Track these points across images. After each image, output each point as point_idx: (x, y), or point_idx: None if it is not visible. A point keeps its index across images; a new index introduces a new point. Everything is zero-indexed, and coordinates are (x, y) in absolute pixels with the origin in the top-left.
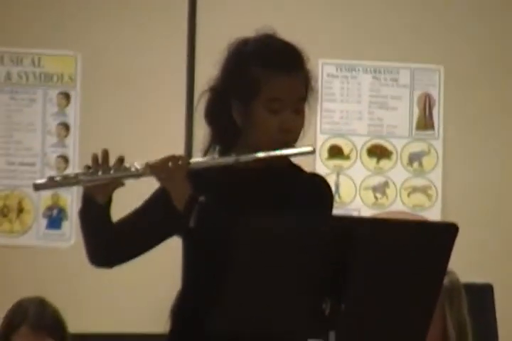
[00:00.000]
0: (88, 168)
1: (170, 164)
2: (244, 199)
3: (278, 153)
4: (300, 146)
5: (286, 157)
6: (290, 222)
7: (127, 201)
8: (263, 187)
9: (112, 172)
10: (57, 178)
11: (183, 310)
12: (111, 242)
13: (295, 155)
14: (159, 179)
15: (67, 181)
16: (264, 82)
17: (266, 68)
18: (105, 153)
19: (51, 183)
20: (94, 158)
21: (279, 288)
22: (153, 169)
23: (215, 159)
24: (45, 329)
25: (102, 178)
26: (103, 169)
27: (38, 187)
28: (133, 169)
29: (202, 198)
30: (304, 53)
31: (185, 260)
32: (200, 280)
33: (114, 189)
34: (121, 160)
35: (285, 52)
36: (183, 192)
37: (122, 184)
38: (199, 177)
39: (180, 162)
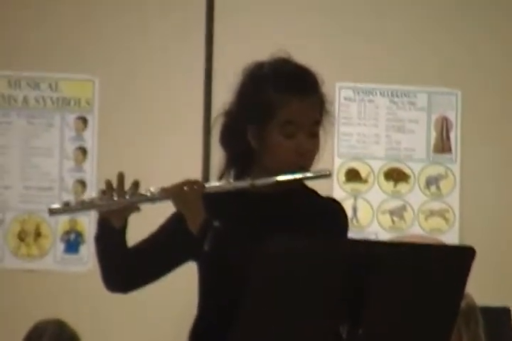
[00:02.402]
0: (103, 192)
1: (185, 188)
2: (259, 224)
3: (293, 176)
4: (316, 170)
5: (301, 181)
6: (306, 246)
7: (143, 225)
8: (278, 212)
9: (127, 196)
10: (73, 203)
11: (200, 335)
12: (126, 267)
13: (311, 178)
14: (175, 203)
15: (82, 206)
16: (278, 106)
17: (280, 92)
18: (121, 177)
19: (66, 208)
20: (109, 183)
21: (296, 313)
22: (168, 193)
23: (231, 183)
24: None
25: (117, 203)
26: (118, 194)
27: (53, 212)
28: (148, 193)
29: (217, 223)
30: (318, 76)
31: (200, 285)
32: (215, 306)
33: (129, 213)
34: (136, 184)
35: (299, 76)
36: (198, 216)
37: (138, 209)
38: (214, 201)
39: (195, 186)
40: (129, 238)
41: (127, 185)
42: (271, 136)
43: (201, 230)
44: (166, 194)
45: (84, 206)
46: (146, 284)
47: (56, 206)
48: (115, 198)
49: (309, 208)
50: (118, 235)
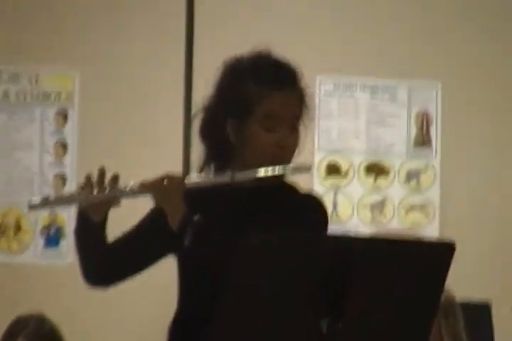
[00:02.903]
0: (83, 187)
1: (165, 183)
2: (239, 219)
3: (274, 171)
4: (296, 164)
5: (281, 175)
6: (286, 241)
7: (123, 220)
8: (258, 207)
9: (106, 191)
10: (52, 198)
11: (180, 330)
12: (106, 262)
13: (291, 173)
14: (154, 198)
15: (61, 201)
16: (258, 100)
17: (260, 86)
18: (101, 172)
19: (45, 203)
20: (88, 177)
21: (276, 308)
22: (148, 188)
23: (211, 178)
24: None
25: (96, 197)
26: (98, 188)
27: (32, 207)
28: (128, 188)
29: (196, 217)
30: (298, 70)
31: (180, 279)
32: (196, 301)
33: (109, 208)
34: (115, 178)
35: (279, 69)
36: (178, 211)
37: (118, 203)
38: (194, 195)
39: (175, 181)
40: (109, 232)
41: (107, 179)
42: (251, 129)
43: (181, 225)
44: (145, 188)
45: (63, 200)
46: (125, 278)
47: (36, 201)
48: (95, 193)
49: (289, 203)
50: (97, 229)
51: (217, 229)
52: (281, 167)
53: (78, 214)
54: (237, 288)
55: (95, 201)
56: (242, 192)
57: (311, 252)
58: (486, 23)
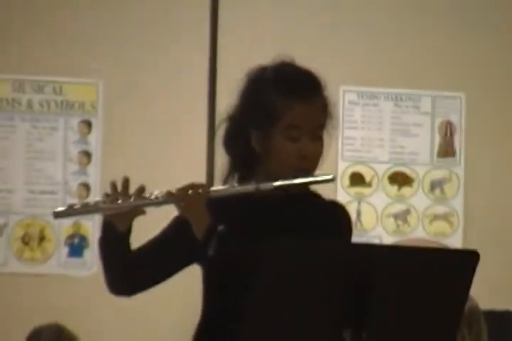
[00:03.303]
0: (108, 195)
1: (190, 192)
2: (263, 228)
3: (297, 181)
4: (320, 174)
5: (305, 185)
6: (310, 248)
7: (148, 229)
8: (282, 216)
9: (131, 200)
10: (77, 206)
11: (203, 339)
12: (130, 271)
13: (315, 183)
14: (179, 207)
15: (86, 209)
16: (281, 110)
17: (283, 96)
18: (125, 181)
19: (71, 211)
20: (113, 186)
21: (300, 317)
22: (173, 197)
23: (235, 187)
24: None
25: (121, 206)
26: (123, 197)
27: (57, 215)
28: (153, 197)
29: (221, 227)
30: (321, 80)
31: (204, 288)
32: (220, 310)
33: (134, 217)
34: (141, 189)
35: (302, 80)
36: (203, 221)
37: (143, 212)
38: (218, 205)
39: (200, 190)
40: (133, 241)
41: (132, 190)
42: (274, 140)
43: (205, 235)
44: (170, 198)
45: (88, 209)
46: (149, 287)
47: (61, 209)
48: (119, 201)
49: (313, 210)
50: (122, 238)
51: (242, 239)
52: (303, 177)
53: (103, 223)
54: (260, 298)
55: (121, 210)
56: (266, 201)
57: (335, 259)
58: (509, 32)
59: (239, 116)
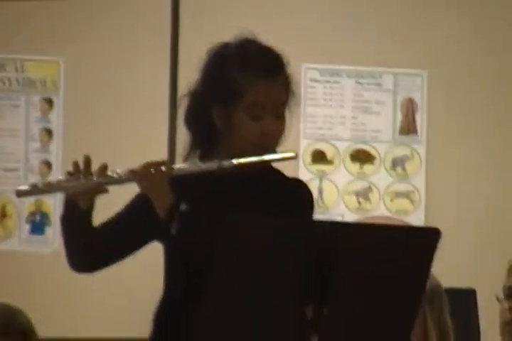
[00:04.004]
0: (70, 174)
1: (152, 170)
2: (226, 207)
3: (260, 158)
4: (282, 151)
5: (267, 162)
6: (271, 225)
7: (109, 206)
8: (244, 194)
9: (94, 178)
10: (40, 185)
11: (163, 318)
12: (92, 247)
13: (277, 160)
14: (141, 186)
15: (49, 188)
16: (245, 87)
17: (247, 73)
18: (87, 159)
19: (33, 190)
20: (76, 165)
21: (261, 294)
22: (135, 175)
23: (198, 165)
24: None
25: (84, 184)
26: (85, 175)
27: (20, 194)
28: (115, 175)
29: (183, 206)
30: (284, 57)
31: (166, 267)
32: (180, 288)
33: (96, 195)
34: (104, 167)
35: (265, 57)
36: (165, 199)
37: (106, 190)
38: (180, 183)
39: (162, 168)
40: (95, 219)
41: (94, 168)
42: (237, 117)
43: (168, 214)
44: (133, 176)
45: (51, 188)
46: (111, 263)
47: (23, 188)
48: (82, 180)
49: (275, 189)
50: (84, 216)
51: (204, 217)
52: (266, 155)
53: (65, 201)
54: (222, 272)
55: (83, 188)
56: (228, 179)
57: (296, 236)
58: (473, 11)
59: (201, 92)
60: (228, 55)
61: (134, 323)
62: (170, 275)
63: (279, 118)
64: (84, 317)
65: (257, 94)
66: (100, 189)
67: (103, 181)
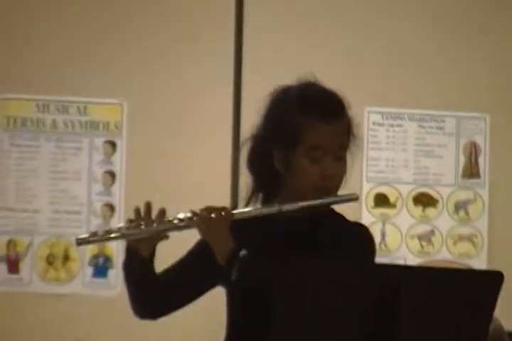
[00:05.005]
0: (131, 221)
1: (213, 215)
2: (287, 251)
3: (320, 200)
4: (343, 194)
5: (328, 205)
6: (334, 267)
7: (172, 250)
8: (306, 237)
9: (154, 225)
10: (100, 233)
11: None
12: (154, 295)
13: (338, 202)
14: (201, 231)
15: (108, 236)
16: (304, 130)
17: (306, 116)
18: (148, 206)
19: (94, 238)
20: (137, 211)
21: (324, 338)
22: (195, 222)
23: (258, 209)
24: None
25: (144, 231)
26: (145, 222)
27: (80, 243)
28: (176, 221)
29: (243, 252)
30: (345, 100)
31: (227, 314)
32: (243, 333)
33: (157, 242)
34: (162, 212)
35: (325, 100)
36: (225, 245)
37: (166, 237)
38: (242, 227)
39: (223, 213)
40: (158, 264)
41: (154, 212)
42: (297, 160)
43: (228, 260)
44: (192, 222)
45: (110, 236)
46: (174, 311)
47: (83, 236)
48: (142, 227)
49: (336, 232)
50: (146, 264)
51: (264, 263)
52: (327, 197)
53: (126, 249)
54: (284, 315)
55: (143, 235)
56: (289, 223)
57: (359, 280)
58: None
59: (262, 135)
60: (289, 98)
61: None
62: (231, 322)
63: (340, 161)
64: None
65: (317, 138)
66: (161, 236)
67: (162, 228)
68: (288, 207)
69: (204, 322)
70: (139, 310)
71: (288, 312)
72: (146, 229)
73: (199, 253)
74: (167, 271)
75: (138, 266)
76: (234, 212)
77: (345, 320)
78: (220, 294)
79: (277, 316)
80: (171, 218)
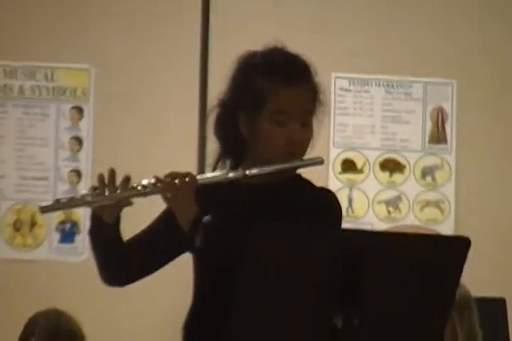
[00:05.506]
0: (94, 188)
1: (176, 181)
2: (251, 216)
3: (285, 165)
4: (308, 158)
5: (294, 170)
6: (299, 235)
7: (138, 217)
8: (271, 202)
9: (118, 191)
10: (64, 200)
11: (193, 328)
12: (122, 262)
13: (303, 166)
14: (165, 199)
15: (73, 203)
16: (269, 95)
17: (271, 80)
18: (112, 173)
19: (57, 205)
20: (101, 178)
21: (289, 304)
22: (159, 188)
23: (223, 174)
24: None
25: (108, 198)
26: (109, 189)
27: (44, 210)
28: (139, 188)
29: (207, 218)
30: (311, 65)
31: (194, 277)
32: (209, 299)
33: (121, 208)
34: (127, 179)
35: (291, 65)
36: (189, 212)
37: (130, 203)
38: (207, 192)
39: (187, 179)
40: (125, 231)
41: (120, 178)
42: (261, 124)
43: (191, 226)
44: (156, 188)
45: (75, 203)
46: (142, 277)
47: (47, 203)
48: (106, 193)
49: (302, 197)
50: (111, 230)
51: (228, 228)
52: (292, 161)
53: (91, 216)
54: (246, 285)
55: (108, 202)
56: (255, 187)
57: (324, 245)
58: (504, 21)
59: (228, 100)
60: (254, 63)
61: (163, 332)
62: (197, 285)
63: (306, 126)
64: (112, 327)
65: (281, 102)
66: (124, 202)
67: (126, 195)
68: (253, 171)
69: (172, 289)
70: (107, 277)
71: (252, 278)
72: (110, 196)
73: (166, 220)
74: (134, 238)
75: (104, 232)
76: (198, 177)
77: (309, 286)
78: (189, 260)
79: (241, 283)
80: (135, 185)
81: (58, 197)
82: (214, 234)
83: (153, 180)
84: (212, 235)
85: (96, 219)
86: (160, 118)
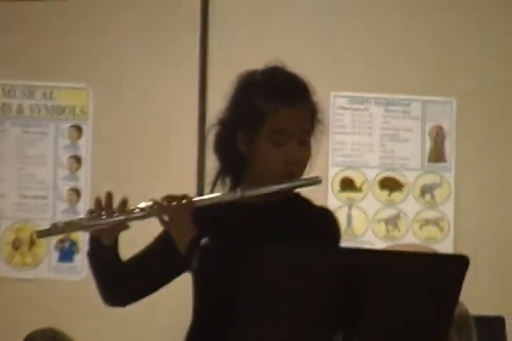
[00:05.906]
0: (91, 212)
1: (174, 204)
2: (251, 235)
3: (283, 186)
4: (306, 177)
5: (291, 190)
6: (298, 252)
7: (138, 235)
8: (270, 222)
9: (115, 215)
10: (60, 224)
11: None
12: (121, 282)
13: (300, 186)
14: (161, 221)
15: (70, 227)
16: (267, 114)
17: (270, 100)
18: (109, 196)
19: (54, 230)
20: (98, 202)
21: (289, 323)
22: (155, 211)
23: (220, 196)
24: None
25: (105, 223)
26: (107, 212)
27: (40, 235)
28: (137, 210)
29: (204, 240)
30: (309, 85)
31: (193, 297)
32: (208, 319)
33: (118, 232)
34: (124, 202)
35: (289, 84)
36: (186, 234)
37: (127, 227)
38: (204, 213)
39: (184, 201)
40: (123, 250)
41: (117, 200)
42: (260, 144)
43: (188, 248)
44: (153, 212)
45: (72, 227)
46: (142, 297)
47: (44, 228)
48: (103, 217)
49: (300, 217)
50: (109, 251)
51: (226, 250)
52: (289, 181)
53: (90, 238)
54: (248, 301)
55: (105, 225)
56: (253, 208)
57: (323, 265)
58: (503, 40)
59: (227, 119)
60: (253, 83)
61: None
62: (197, 305)
63: (304, 146)
64: None
65: (280, 122)
66: (121, 226)
67: (123, 218)
68: (250, 192)
69: (173, 308)
70: (107, 297)
71: (252, 299)
72: (107, 220)
73: (163, 241)
74: (132, 259)
75: (102, 254)
76: (195, 199)
77: (308, 305)
78: (188, 279)
79: (241, 301)
80: (132, 208)
81: (57, 215)
82: (211, 256)
83: (150, 203)
84: (209, 257)
85: (94, 241)
86: (159, 136)
